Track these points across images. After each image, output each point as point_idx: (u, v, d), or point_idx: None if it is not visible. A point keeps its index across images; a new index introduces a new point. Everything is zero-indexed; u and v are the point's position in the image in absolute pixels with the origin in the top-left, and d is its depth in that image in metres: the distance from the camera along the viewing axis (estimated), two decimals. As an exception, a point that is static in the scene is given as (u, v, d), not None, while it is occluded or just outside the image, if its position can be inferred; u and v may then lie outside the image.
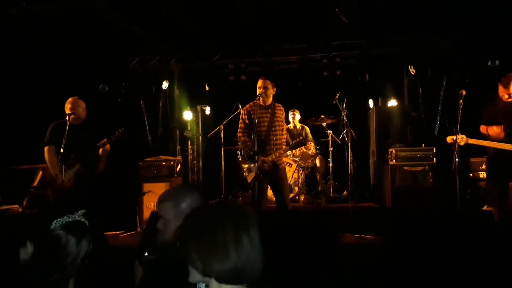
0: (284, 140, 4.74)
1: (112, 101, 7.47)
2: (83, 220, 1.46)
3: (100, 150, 4.87)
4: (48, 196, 5.40)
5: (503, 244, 3.12)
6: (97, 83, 7.51)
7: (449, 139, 4.35)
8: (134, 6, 5.86)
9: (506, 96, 4.31)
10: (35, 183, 5.94)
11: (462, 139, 4.22)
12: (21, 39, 6.30)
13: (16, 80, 6.72)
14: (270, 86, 4.52)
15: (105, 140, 4.80)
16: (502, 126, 4.26)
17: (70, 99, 4.84)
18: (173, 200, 1.87)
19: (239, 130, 4.67)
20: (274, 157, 4.44)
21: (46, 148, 4.74)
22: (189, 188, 1.97)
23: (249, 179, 4.48)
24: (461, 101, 4.31)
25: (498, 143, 4.25)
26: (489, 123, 4.42)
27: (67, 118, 4.64)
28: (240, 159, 4.80)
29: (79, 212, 1.47)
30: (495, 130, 4.33)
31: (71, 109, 4.75)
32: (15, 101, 6.78)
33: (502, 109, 4.35)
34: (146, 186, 6.04)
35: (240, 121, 4.68)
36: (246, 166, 4.56)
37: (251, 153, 4.30)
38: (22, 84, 6.81)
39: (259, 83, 4.53)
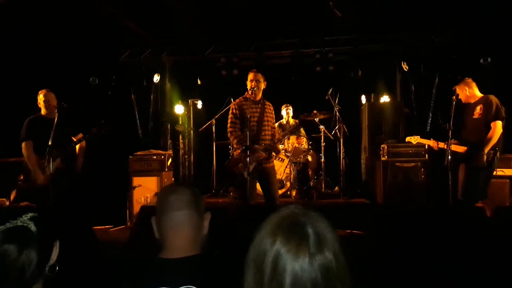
0: (275, 136, 4.69)
1: (102, 94, 7.38)
2: (27, 224, 1.22)
3: (77, 146, 4.72)
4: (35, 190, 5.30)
5: (494, 239, 3.12)
6: (87, 76, 7.41)
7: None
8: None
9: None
10: (22, 177, 5.84)
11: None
12: (9, 30, 6.18)
13: (3, 72, 6.60)
14: (262, 80, 4.47)
15: (81, 135, 4.65)
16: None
17: (43, 91, 4.68)
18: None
19: (229, 124, 4.57)
20: (271, 144, 4.43)
21: (23, 144, 4.55)
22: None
23: (246, 175, 4.40)
24: (453, 97, 4.36)
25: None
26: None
27: (54, 110, 4.46)
28: (233, 156, 4.66)
29: (24, 216, 1.23)
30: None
31: (45, 101, 4.62)
32: (2, 93, 6.66)
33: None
34: (136, 180, 5.98)
35: (231, 115, 4.57)
36: (242, 162, 4.43)
37: (243, 147, 4.24)
38: (10, 76, 6.68)
39: (251, 76, 4.46)
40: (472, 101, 4.54)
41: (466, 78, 4.63)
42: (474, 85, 4.55)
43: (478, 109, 4.44)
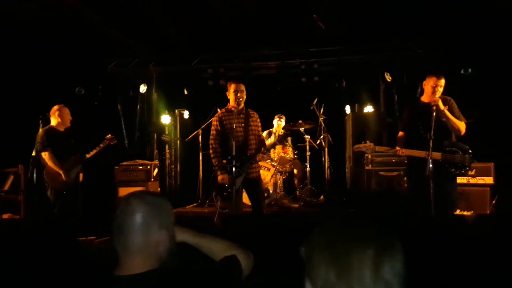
0: (262, 144, 4.72)
1: (88, 104, 7.35)
2: None
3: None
4: (19, 200, 5.27)
5: (475, 248, 3.19)
6: (73, 86, 7.39)
7: (355, 148, 4.55)
8: (112, 8, 5.81)
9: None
10: (6, 187, 5.79)
11: (369, 147, 4.35)
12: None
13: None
14: (244, 90, 4.52)
15: (94, 151, 5.08)
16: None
17: (56, 106, 4.95)
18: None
19: (211, 137, 4.57)
20: (259, 157, 4.47)
21: (47, 153, 4.76)
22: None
23: (237, 186, 4.39)
24: (434, 107, 4.38)
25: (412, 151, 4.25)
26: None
27: (53, 124, 4.86)
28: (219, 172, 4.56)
29: None
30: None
31: (59, 115, 4.90)
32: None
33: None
34: (122, 191, 5.96)
35: (212, 127, 4.59)
36: (229, 175, 4.35)
37: (229, 157, 4.27)
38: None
39: (235, 87, 4.45)
40: (429, 100, 4.28)
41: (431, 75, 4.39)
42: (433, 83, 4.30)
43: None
